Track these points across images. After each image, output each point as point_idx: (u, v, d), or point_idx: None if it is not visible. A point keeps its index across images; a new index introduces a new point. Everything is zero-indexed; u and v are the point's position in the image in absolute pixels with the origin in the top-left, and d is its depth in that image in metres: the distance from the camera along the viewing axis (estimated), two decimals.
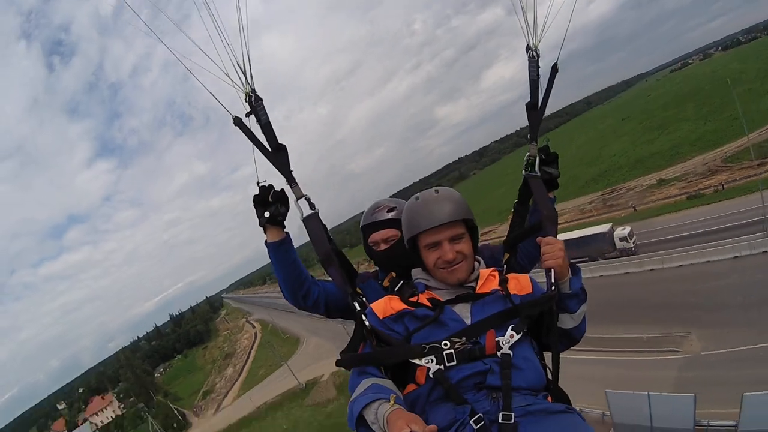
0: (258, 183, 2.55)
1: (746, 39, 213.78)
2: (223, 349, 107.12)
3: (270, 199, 2.53)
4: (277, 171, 2.56)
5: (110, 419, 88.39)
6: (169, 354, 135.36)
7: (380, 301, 2.38)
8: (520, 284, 2.39)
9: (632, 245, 42.80)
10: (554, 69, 2.83)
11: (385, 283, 2.78)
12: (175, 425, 62.44)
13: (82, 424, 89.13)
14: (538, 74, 2.77)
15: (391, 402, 1.81)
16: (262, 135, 2.55)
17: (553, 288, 2.27)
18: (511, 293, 2.31)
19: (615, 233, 44.38)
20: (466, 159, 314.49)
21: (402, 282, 2.54)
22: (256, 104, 2.49)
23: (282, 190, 2.54)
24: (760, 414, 17.45)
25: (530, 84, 2.79)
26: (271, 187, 2.54)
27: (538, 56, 2.75)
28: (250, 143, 2.55)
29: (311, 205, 2.59)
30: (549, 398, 2.16)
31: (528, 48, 2.74)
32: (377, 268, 3.06)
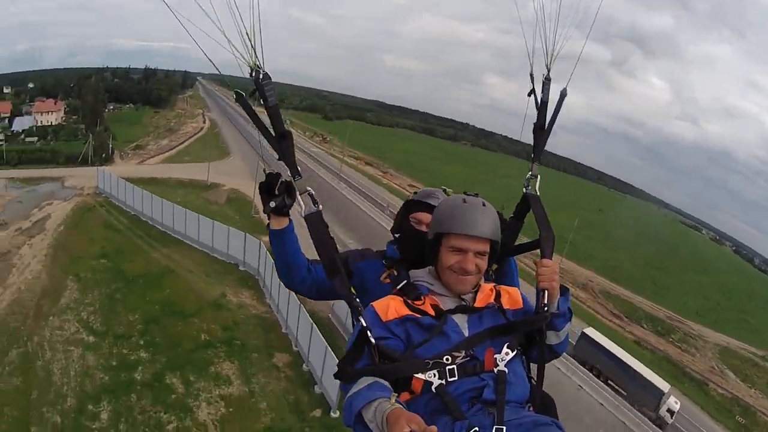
0: (265, 170, 2.68)
1: (759, 266, 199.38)
2: (170, 123, 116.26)
3: (276, 191, 2.66)
4: (282, 161, 2.57)
5: (51, 124, 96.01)
6: (125, 99, 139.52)
7: (383, 302, 2.48)
8: (511, 299, 2.61)
9: (669, 422, 37.50)
10: (563, 94, 3.17)
11: (384, 278, 3.06)
12: (103, 155, 73.96)
13: (26, 114, 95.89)
14: (548, 97, 3.12)
15: (392, 401, 1.90)
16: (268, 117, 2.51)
17: (546, 309, 2.51)
18: (504, 308, 2.53)
19: (669, 400, 38.36)
20: (470, 129, 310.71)
21: (405, 282, 2.64)
22: (263, 82, 2.43)
23: (289, 182, 2.63)
24: None
25: (540, 105, 3.14)
26: (278, 176, 2.65)
27: (550, 80, 3.08)
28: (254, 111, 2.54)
29: (314, 202, 2.61)
30: (531, 408, 2.37)
31: (531, 75, 3.12)
32: (383, 249, 3.32)
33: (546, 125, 3.21)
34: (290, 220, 2.83)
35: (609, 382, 38.03)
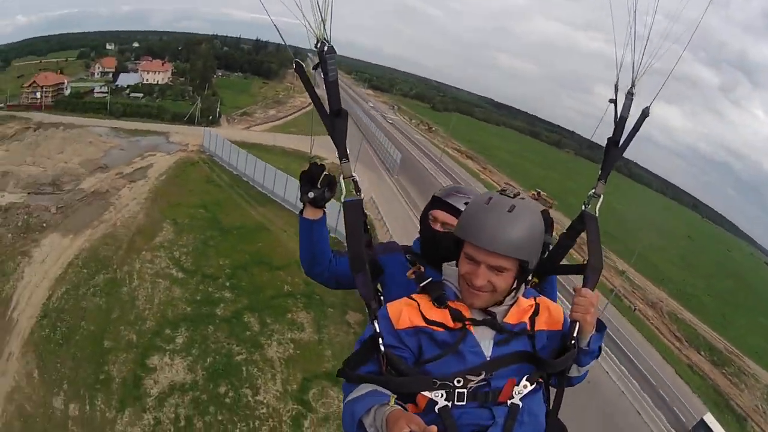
0: (310, 159, 2.82)
1: None
2: (278, 94, 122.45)
3: (319, 183, 2.70)
4: (332, 140, 2.49)
5: (157, 83, 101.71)
6: (234, 68, 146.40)
7: (396, 306, 2.39)
8: (551, 318, 2.48)
9: None
10: (645, 113, 3.07)
11: (410, 274, 2.99)
12: (210, 117, 79.32)
13: (131, 72, 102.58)
14: (628, 113, 3.04)
15: (391, 402, 1.96)
16: (326, 93, 2.48)
17: (574, 343, 2.40)
18: (540, 328, 2.41)
19: None
20: (575, 137, 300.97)
21: (431, 279, 2.53)
22: (327, 56, 2.43)
23: (333, 177, 2.68)
24: None
25: (618, 120, 3.04)
26: (322, 168, 2.71)
27: (633, 94, 3.01)
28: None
29: (357, 189, 2.60)
30: None
31: (616, 85, 3.04)
32: (410, 244, 3.33)
33: (621, 142, 3.12)
34: (324, 213, 2.93)
35: None
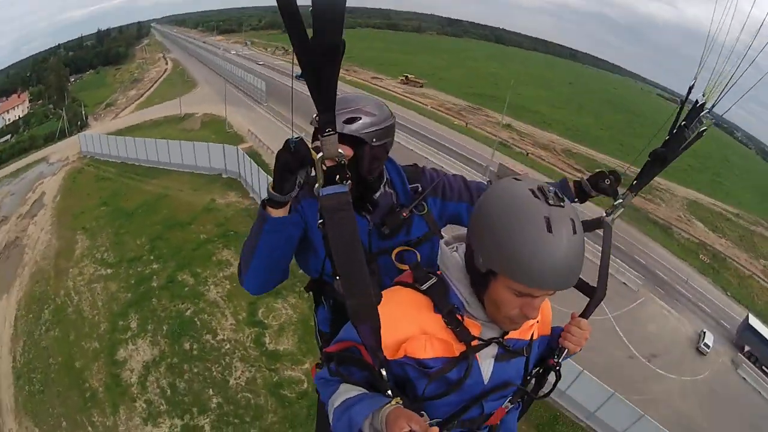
0: (291, 141, 1.74)
1: (741, 140, 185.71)
2: (133, 74, 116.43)
3: (297, 168, 1.81)
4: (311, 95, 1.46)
5: (19, 117, 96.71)
6: (84, 68, 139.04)
7: (393, 321, 1.79)
8: (543, 323, 2.17)
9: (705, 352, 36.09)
10: (701, 132, 2.45)
11: (401, 265, 2.34)
12: (78, 123, 75.49)
13: None
14: (694, 129, 2.43)
15: (393, 403, 1.67)
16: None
17: (557, 366, 2.18)
18: (536, 337, 2.11)
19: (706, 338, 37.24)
20: (435, 18, 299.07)
21: (434, 280, 1.88)
22: None
23: (309, 152, 1.72)
24: None
25: (676, 131, 2.43)
26: (305, 149, 1.75)
27: (704, 109, 2.38)
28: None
29: (342, 175, 1.60)
30: None
31: (690, 87, 2.42)
32: None
33: (668, 159, 2.51)
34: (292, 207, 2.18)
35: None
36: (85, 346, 25.83)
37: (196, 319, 25.72)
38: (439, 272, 1.93)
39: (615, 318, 33.62)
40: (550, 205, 1.56)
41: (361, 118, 2.17)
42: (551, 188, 1.60)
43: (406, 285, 1.94)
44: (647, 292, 40.65)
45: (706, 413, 28.21)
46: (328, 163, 1.63)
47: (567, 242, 1.54)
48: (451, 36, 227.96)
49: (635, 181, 2.56)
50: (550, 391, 2.22)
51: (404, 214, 2.35)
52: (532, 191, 1.58)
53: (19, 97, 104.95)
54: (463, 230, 1.92)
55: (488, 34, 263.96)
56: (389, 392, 1.75)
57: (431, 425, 1.61)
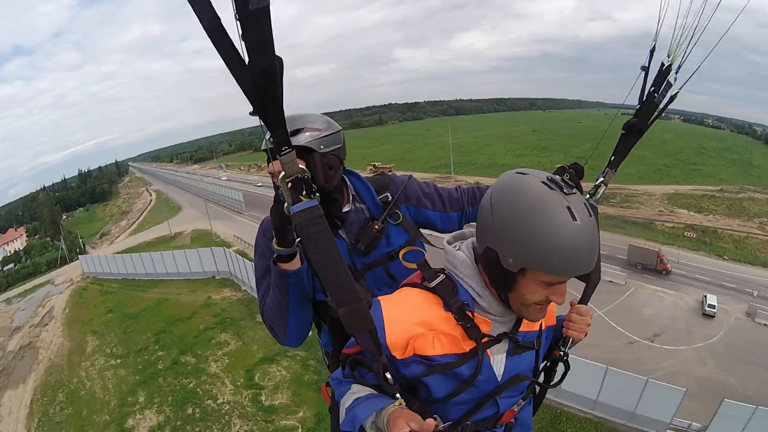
0: (288, 178, 1.66)
1: (712, 124, 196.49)
2: (121, 208, 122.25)
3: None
4: (258, 114, 1.49)
5: (18, 249, 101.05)
6: (73, 206, 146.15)
7: (399, 321, 1.76)
8: (549, 313, 2.02)
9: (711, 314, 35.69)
10: (673, 97, 2.32)
11: (409, 264, 2.33)
12: (77, 251, 79.42)
13: None
14: (664, 95, 2.28)
15: (396, 404, 1.66)
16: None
17: (564, 357, 2.13)
18: (542, 328, 2.04)
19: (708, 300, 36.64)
20: (393, 107, 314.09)
21: (442, 277, 1.81)
22: None
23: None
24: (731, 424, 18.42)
25: (645, 98, 2.31)
26: (309, 187, 1.69)
27: (671, 71, 2.25)
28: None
29: (309, 190, 1.68)
30: None
31: (651, 51, 2.28)
32: None
33: (644, 129, 2.35)
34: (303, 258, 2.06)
35: None
36: (96, 419, 28.74)
37: (198, 390, 28.98)
38: (446, 271, 1.85)
39: (606, 313, 33.45)
40: (566, 194, 1.57)
41: (304, 129, 2.19)
42: (557, 177, 1.63)
43: (414, 285, 1.87)
44: (636, 282, 40.43)
45: (730, 371, 27.61)
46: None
47: (590, 227, 1.56)
48: (412, 120, 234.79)
49: (612, 157, 2.45)
50: (560, 381, 2.10)
51: (375, 227, 2.34)
52: (545, 184, 1.58)
53: (16, 230, 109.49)
54: (464, 230, 1.99)
55: (447, 108, 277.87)
56: (397, 395, 1.70)
57: (443, 429, 1.74)
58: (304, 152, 2.16)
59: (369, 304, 1.71)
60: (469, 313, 1.74)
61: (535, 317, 1.75)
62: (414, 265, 2.06)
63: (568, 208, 1.54)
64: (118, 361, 34.53)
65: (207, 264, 45.50)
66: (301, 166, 1.64)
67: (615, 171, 2.44)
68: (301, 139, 2.17)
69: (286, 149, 1.59)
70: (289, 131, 1.64)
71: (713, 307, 35.89)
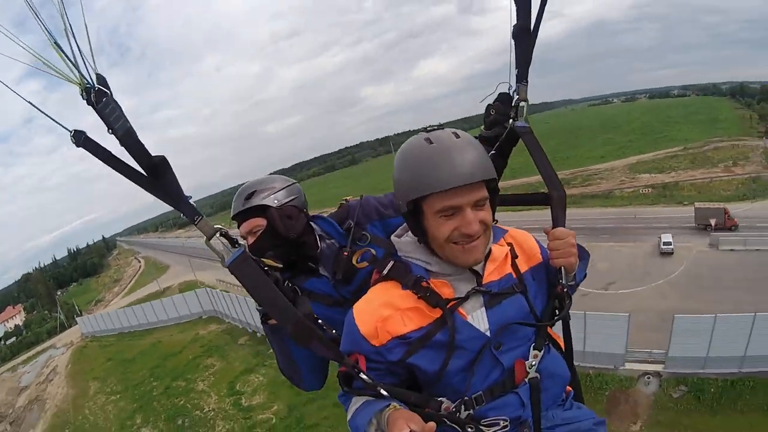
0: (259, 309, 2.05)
1: (678, 94, 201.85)
2: (113, 277, 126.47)
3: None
4: (165, 202, 1.78)
5: (18, 324, 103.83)
6: (66, 282, 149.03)
7: (366, 318, 1.80)
8: (526, 254, 1.99)
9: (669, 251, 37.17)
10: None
11: (360, 264, 2.35)
12: (75, 316, 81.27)
13: None
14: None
15: (392, 406, 1.64)
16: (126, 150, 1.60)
17: (565, 290, 1.92)
18: (523, 271, 1.94)
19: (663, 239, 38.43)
20: (365, 144, 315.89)
21: (392, 263, 1.86)
22: (99, 104, 1.56)
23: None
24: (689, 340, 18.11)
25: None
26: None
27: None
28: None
29: (232, 242, 1.95)
30: (568, 388, 2.05)
31: None
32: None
33: (532, 26, 2.19)
34: None
35: None
36: None
37: (188, 405, 33.11)
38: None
39: None
40: (428, 131, 1.69)
41: (255, 192, 2.32)
42: (434, 125, 1.74)
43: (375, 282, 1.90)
44: (589, 242, 37.95)
45: (696, 297, 28.17)
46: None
47: (450, 142, 1.63)
48: (385, 154, 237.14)
49: (517, 70, 2.22)
50: (560, 316, 1.92)
51: (344, 254, 2.35)
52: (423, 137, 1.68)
53: (14, 308, 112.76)
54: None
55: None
56: (382, 391, 1.72)
57: (454, 409, 1.73)
58: (260, 210, 2.30)
59: (310, 317, 1.93)
60: (425, 284, 1.75)
61: (462, 258, 1.71)
62: (364, 264, 2.30)
63: (427, 139, 1.66)
64: (118, 396, 38.69)
65: (193, 306, 49.88)
66: (217, 226, 1.89)
67: (527, 82, 2.18)
68: (254, 201, 2.30)
69: (197, 219, 1.82)
70: (243, 198, 2.29)
71: (669, 244, 36.86)
